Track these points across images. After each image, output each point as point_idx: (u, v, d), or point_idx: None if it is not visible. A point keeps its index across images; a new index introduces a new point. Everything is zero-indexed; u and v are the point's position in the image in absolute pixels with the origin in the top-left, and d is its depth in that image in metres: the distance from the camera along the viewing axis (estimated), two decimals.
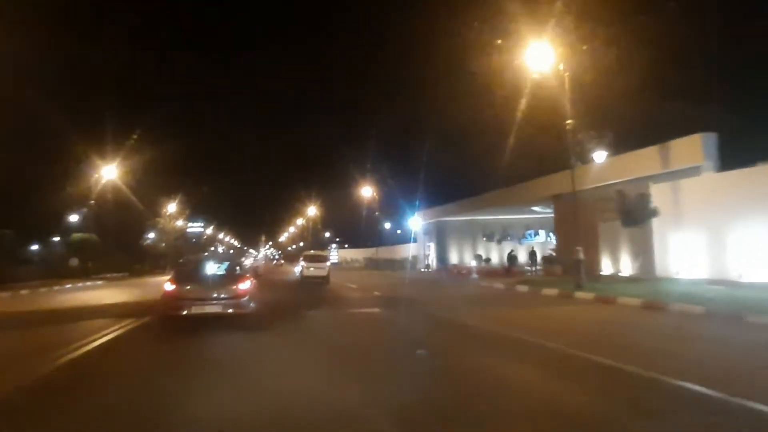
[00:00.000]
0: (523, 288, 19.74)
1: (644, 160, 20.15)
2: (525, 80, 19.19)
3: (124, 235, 59.39)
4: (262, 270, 72.14)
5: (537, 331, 9.58)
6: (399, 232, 65.44)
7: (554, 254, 29.76)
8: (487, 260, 43.27)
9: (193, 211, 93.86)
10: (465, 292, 20.63)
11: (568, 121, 17.74)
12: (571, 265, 24.03)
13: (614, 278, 21.09)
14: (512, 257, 30.05)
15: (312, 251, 34.20)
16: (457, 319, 11.95)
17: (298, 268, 29.47)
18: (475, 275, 34.48)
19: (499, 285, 21.93)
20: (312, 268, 27.47)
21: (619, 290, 15.68)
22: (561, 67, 17.48)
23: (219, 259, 13.65)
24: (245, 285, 10.30)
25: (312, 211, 75.17)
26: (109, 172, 37.71)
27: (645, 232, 20.08)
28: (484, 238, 45.47)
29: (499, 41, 18.20)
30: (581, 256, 17.77)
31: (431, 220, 47.19)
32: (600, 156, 22.17)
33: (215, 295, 9.99)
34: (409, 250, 53.32)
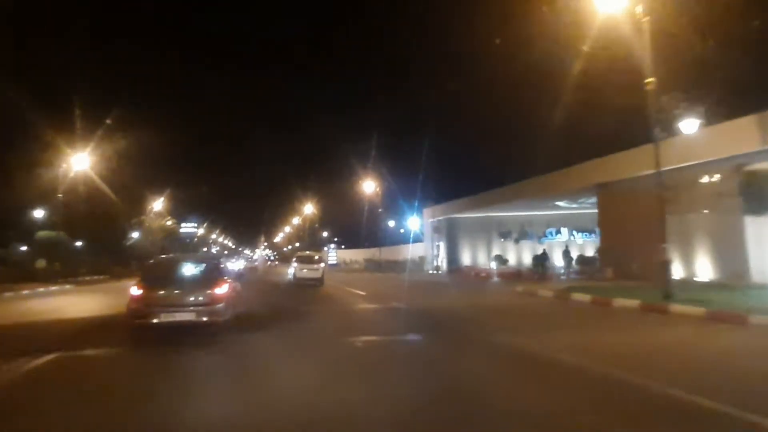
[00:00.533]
0: (581, 297, 15.50)
1: (739, 133, 15.90)
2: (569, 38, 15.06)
3: (105, 235, 55.10)
4: (260, 271, 68.26)
5: (699, 382, 5.67)
6: (402, 231, 61.15)
7: (591, 255, 25.48)
8: (505, 261, 39.05)
9: (187, 211, 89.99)
10: (507, 302, 16.40)
11: (649, 80, 13.53)
12: (624, 267, 20.10)
13: (693, 284, 16.86)
14: (543, 258, 25.75)
15: (305, 252, 32.18)
16: (544, 354, 7.73)
17: (290, 270, 27.70)
18: (496, 278, 30.31)
19: (544, 292, 17.69)
20: (305, 270, 25.89)
21: (735, 303, 11.49)
22: (639, 9, 13.32)
23: (194, 259, 11.69)
24: (222, 289, 9.23)
25: (309, 209, 70.85)
26: (80, 163, 33.35)
27: (735, 226, 15.89)
28: (500, 237, 41.27)
29: None
30: (667, 256, 13.56)
31: (440, 218, 42.98)
32: (690, 126, 17.73)
33: (188, 300, 8.96)
34: (414, 251, 49.08)
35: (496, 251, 40.92)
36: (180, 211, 76.95)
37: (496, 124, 66.64)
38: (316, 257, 27.57)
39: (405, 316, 13.15)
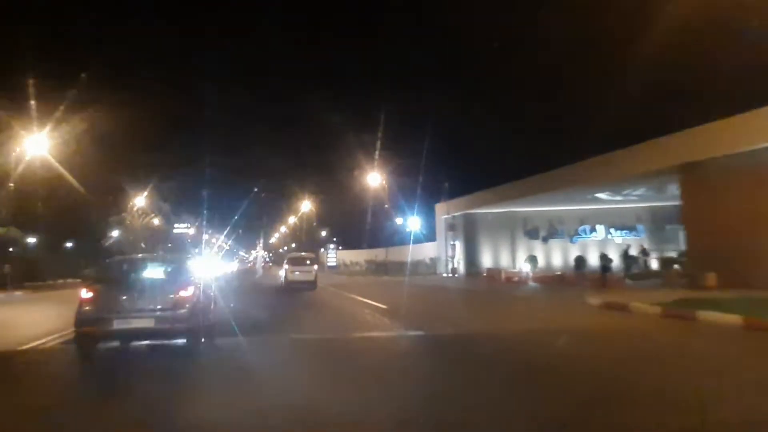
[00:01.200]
0: (719, 318, 10.31)
1: None
2: None
3: (77, 234, 49.83)
4: (261, 273, 62.66)
5: None
6: (409, 230, 55.95)
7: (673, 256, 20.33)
8: (533, 262, 33.83)
9: (180, 211, 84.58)
10: (604, 326, 11.20)
11: None
12: (734, 271, 15.00)
13: None
14: (608, 259, 20.39)
15: (297, 253, 31.21)
16: None
17: (281, 272, 26.17)
18: (533, 284, 25.15)
19: (641, 307, 12.50)
20: (297, 272, 24.48)
21: None
22: None
23: (157, 259, 10.48)
24: (188, 292, 8.09)
25: (306, 206, 65.56)
26: (38, 146, 28.04)
27: None
28: (526, 236, 36.11)
29: None
30: None
31: (456, 213, 37.79)
32: None
33: (147, 304, 7.79)
34: (424, 251, 43.92)
35: (522, 251, 35.78)
36: (166, 207, 71.82)
37: (517, 109, 60.92)
38: (309, 259, 25.83)
39: (480, 363, 7.71)
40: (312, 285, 23.68)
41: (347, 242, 69.91)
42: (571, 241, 34.97)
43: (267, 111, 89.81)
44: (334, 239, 69.43)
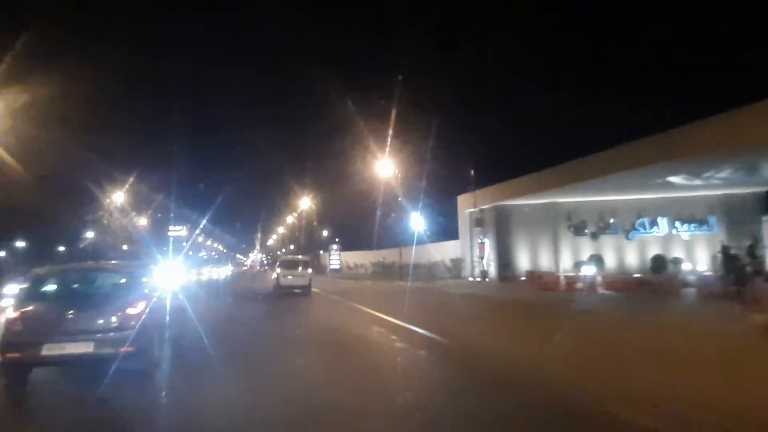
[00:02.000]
0: None
1: None
2: None
3: (42, 234, 43.89)
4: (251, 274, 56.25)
5: None
6: (420, 229, 49.86)
7: None
8: (580, 264, 27.85)
9: (175, 213, 78.76)
10: None
11: None
12: None
13: None
14: (734, 256, 14.42)
15: (291, 256, 31.59)
16: None
17: (273, 276, 24.88)
18: (604, 291, 19.20)
19: None
20: (290, 276, 23.13)
21: None
22: None
23: (103, 268, 8.47)
24: (137, 308, 6.86)
25: (305, 204, 59.50)
26: None
27: None
28: (571, 231, 30.14)
29: None
30: None
31: (485, 206, 31.81)
32: None
33: (85, 326, 6.56)
34: (444, 251, 37.90)
35: (566, 250, 29.83)
36: (167, 212, 65.95)
37: (557, 76, 53.50)
38: (302, 262, 24.56)
39: None
40: (306, 290, 22.19)
41: (350, 243, 63.85)
42: (628, 238, 29.04)
43: (261, 93, 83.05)
44: (336, 240, 63.36)
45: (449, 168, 39.65)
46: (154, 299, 7.66)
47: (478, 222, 32.31)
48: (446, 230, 43.42)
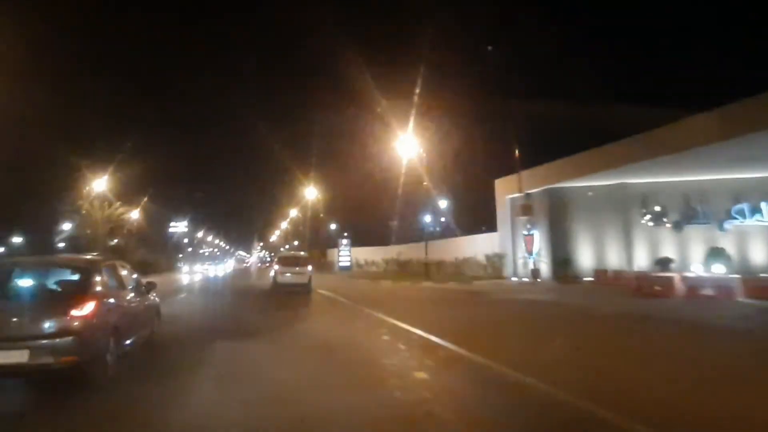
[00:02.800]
0: None
1: None
2: None
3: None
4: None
5: None
6: (453, 219, 43.75)
7: None
8: (665, 262, 21.87)
9: (175, 209, 74.34)
10: None
11: None
12: None
13: None
14: None
15: (290, 252, 31.34)
16: None
17: (271, 273, 22.98)
18: (743, 299, 13.25)
19: None
20: (288, 274, 21.36)
21: None
22: None
23: (47, 264, 7.64)
24: (82, 310, 5.81)
25: (311, 194, 53.53)
26: None
27: None
28: (647, 219, 24.12)
29: None
30: None
31: (534, 190, 25.89)
32: None
33: (19, 331, 5.57)
34: (477, 246, 31.97)
35: (641, 243, 23.85)
36: (167, 208, 60.94)
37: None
38: (302, 259, 23.33)
39: None
40: (305, 288, 20.94)
41: (360, 237, 57.89)
42: (721, 228, 23.00)
43: (261, 61, 76.08)
44: (345, 234, 57.32)
45: (483, 147, 33.69)
46: (114, 299, 6.72)
47: (525, 210, 26.34)
48: (477, 221, 37.44)
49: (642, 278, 17.16)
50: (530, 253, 26.12)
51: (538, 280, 24.33)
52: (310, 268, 22.08)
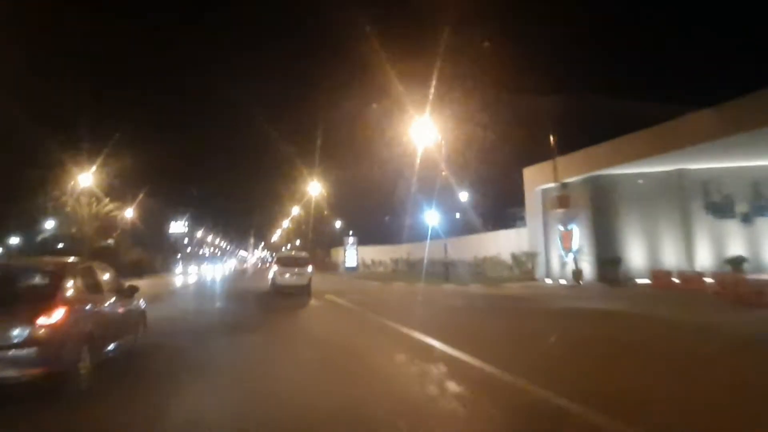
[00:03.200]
0: None
1: None
2: None
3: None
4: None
5: None
6: (457, 216, 40.25)
7: None
8: (738, 261, 18.49)
9: (173, 208, 71.67)
10: None
11: None
12: None
13: None
14: None
15: (289, 252, 29.92)
16: None
17: (270, 274, 22.54)
18: None
19: None
20: (287, 275, 20.67)
21: None
22: None
23: (16, 267, 7.22)
24: (50, 317, 5.39)
25: (314, 190, 50.09)
26: None
27: None
28: (709, 211, 20.72)
29: None
30: None
31: (572, 179, 22.53)
32: None
33: None
34: (500, 243, 28.61)
35: (703, 239, 20.47)
36: (164, 207, 57.97)
37: None
38: (302, 259, 22.07)
39: None
40: (305, 290, 20.23)
41: (365, 236, 54.50)
42: None
43: (263, 44, 71.97)
44: (351, 232, 53.95)
45: (507, 134, 30.18)
46: (90, 305, 6.31)
47: (561, 201, 22.99)
48: (499, 216, 34.07)
49: (732, 282, 13.75)
50: (568, 251, 22.80)
51: (580, 282, 20.98)
52: (310, 269, 21.39)
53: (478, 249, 31.01)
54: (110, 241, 47.00)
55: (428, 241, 39.85)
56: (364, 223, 55.43)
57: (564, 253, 23.04)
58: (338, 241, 57.17)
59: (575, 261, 21.87)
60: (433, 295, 20.26)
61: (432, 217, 31.64)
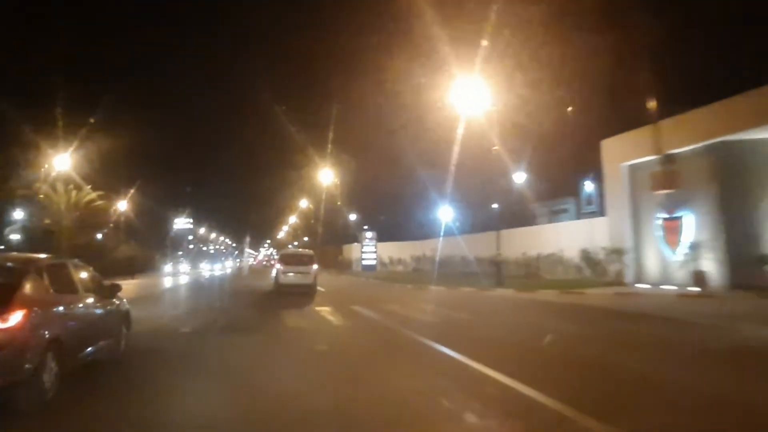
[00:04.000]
0: None
1: None
2: None
3: None
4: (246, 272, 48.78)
5: None
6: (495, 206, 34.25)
7: None
8: None
9: (174, 204, 67.48)
10: None
11: None
12: None
13: None
14: None
15: (293, 249, 29.76)
16: None
17: (273, 272, 22.93)
18: None
19: None
20: (291, 273, 20.50)
21: None
22: None
23: None
24: (6, 322, 4.79)
25: (326, 179, 44.17)
26: None
27: None
28: None
29: None
30: None
31: (683, 148, 16.54)
32: None
33: None
34: (559, 238, 22.73)
35: None
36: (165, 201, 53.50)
37: None
38: (306, 257, 21.61)
39: None
40: (309, 289, 19.72)
41: (382, 231, 48.61)
42: None
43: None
44: (366, 227, 48.09)
45: (572, 99, 23.99)
46: (59, 307, 5.64)
47: (667, 179, 17.05)
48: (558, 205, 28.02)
49: None
50: (675, 246, 16.90)
51: (703, 289, 15.02)
52: (315, 267, 21.01)
53: (531, 244, 25.09)
54: (98, 236, 41.85)
55: (460, 236, 34.09)
56: (381, 217, 49.58)
57: (671, 249, 17.13)
58: (351, 237, 51.37)
59: (693, 260, 15.93)
60: (498, 306, 14.52)
61: (458, 210, 25.81)
